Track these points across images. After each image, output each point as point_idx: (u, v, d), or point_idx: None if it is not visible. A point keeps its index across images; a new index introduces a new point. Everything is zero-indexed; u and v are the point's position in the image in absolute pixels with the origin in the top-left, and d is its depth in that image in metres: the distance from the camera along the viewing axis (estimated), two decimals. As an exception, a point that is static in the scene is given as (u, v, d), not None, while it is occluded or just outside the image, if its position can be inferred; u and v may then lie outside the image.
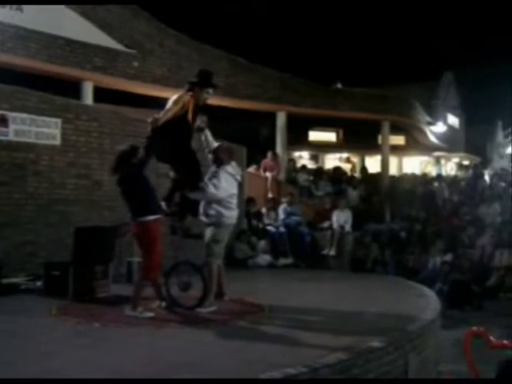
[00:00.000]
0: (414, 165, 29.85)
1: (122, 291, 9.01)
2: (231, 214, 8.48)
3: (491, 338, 6.05)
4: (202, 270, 8.17)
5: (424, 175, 22.75)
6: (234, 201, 8.55)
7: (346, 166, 25.52)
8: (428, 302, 9.16)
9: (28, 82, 12.05)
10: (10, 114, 10.43)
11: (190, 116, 8.00)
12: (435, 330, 8.12)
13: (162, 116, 7.62)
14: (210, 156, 8.57)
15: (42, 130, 10.81)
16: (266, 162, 17.29)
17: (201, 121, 8.55)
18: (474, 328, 6.25)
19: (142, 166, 7.68)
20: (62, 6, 13.56)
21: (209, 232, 8.41)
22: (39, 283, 9.54)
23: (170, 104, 7.82)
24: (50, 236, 10.56)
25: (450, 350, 8.85)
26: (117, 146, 8.17)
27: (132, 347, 6.34)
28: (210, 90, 8.21)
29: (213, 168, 8.45)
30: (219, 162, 8.43)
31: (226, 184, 8.33)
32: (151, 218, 7.63)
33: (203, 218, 8.45)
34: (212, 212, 8.34)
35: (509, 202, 16.91)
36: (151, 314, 7.63)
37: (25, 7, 12.92)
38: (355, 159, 29.48)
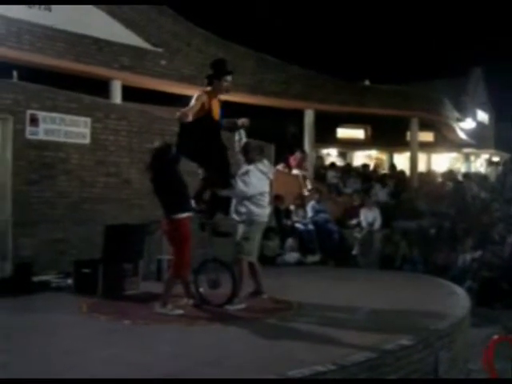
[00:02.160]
0: (442, 161, 29.59)
1: (152, 289, 9.08)
2: (262, 212, 8.46)
3: None
4: (231, 267, 8.18)
5: (453, 172, 22.54)
6: (266, 198, 8.50)
7: (375, 163, 25.47)
8: (458, 300, 9.09)
9: (57, 81, 12.16)
10: (40, 114, 10.52)
11: (214, 113, 8.01)
12: (465, 327, 8.06)
13: (188, 111, 7.63)
14: (241, 156, 8.58)
15: (71, 128, 10.90)
16: (294, 159, 17.24)
17: (241, 121, 8.44)
18: (496, 337, 6.18)
19: (175, 163, 7.71)
20: (90, 6, 13.67)
21: (240, 229, 8.42)
22: (69, 281, 9.63)
23: (192, 101, 7.86)
24: (80, 234, 10.64)
25: (479, 348, 8.76)
26: (151, 144, 8.21)
27: (160, 344, 6.37)
28: (229, 77, 8.17)
29: (245, 165, 8.44)
30: (250, 159, 8.43)
31: (256, 181, 8.32)
32: (184, 215, 7.65)
33: (234, 216, 8.46)
34: (243, 210, 8.34)
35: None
36: (181, 312, 7.65)
37: (53, 7, 13.04)
38: (384, 156, 29.33)
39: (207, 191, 8.40)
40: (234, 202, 8.49)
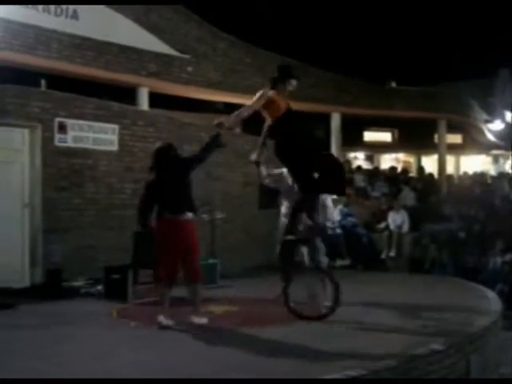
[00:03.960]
0: (471, 163, 29.34)
1: (182, 294, 9.09)
2: None
3: None
4: (332, 275, 7.95)
5: (482, 174, 22.34)
6: None
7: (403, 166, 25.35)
8: (489, 303, 9.00)
9: (85, 89, 12.27)
10: (69, 121, 10.64)
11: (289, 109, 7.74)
12: (496, 331, 7.98)
13: (243, 112, 7.50)
14: None
15: (99, 135, 11.00)
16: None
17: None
18: None
19: (181, 163, 7.60)
20: (116, 13, 13.76)
21: None
22: (99, 287, 9.69)
23: (253, 100, 7.65)
24: (109, 240, 10.72)
25: (511, 351, 8.68)
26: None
27: (189, 349, 6.39)
28: (294, 82, 7.98)
29: None
30: None
31: None
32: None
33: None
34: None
35: None
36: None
37: (80, 16, 13.15)
38: (411, 159, 29.16)
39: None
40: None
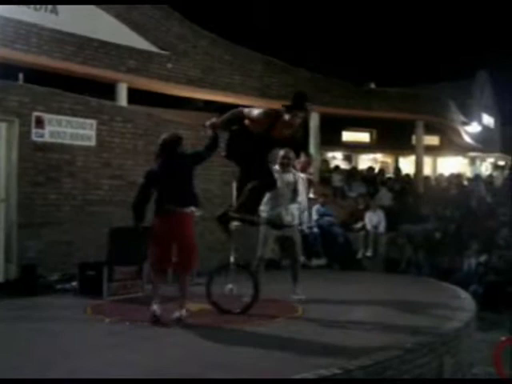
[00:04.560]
0: (448, 165, 29.54)
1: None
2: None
3: None
4: (253, 272, 8.19)
5: (458, 176, 22.50)
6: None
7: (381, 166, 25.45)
8: (463, 304, 9.08)
9: (63, 83, 12.20)
10: (46, 116, 10.57)
11: (276, 133, 7.52)
12: (470, 332, 8.04)
13: (249, 114, 7.40)
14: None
15: (77, 131, 10.94)
16: (298, 162, 17.19)
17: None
18: (503, 338, 6.16)
19: (187, 158, 7.55)
20: (97, 9, 13.69)
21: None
22: (74, 283, 9.65)
23: (259, 112, 7.46)
24: (85, 236, 10.67)
25: (485, 353, 8.75)
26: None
27: (165, 347, 6.37)
28: (301, 114, 7.63)
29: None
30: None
31: None
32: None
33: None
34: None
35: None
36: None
37: (60, 10, 13.07)
38: (389, 160, 29.31)
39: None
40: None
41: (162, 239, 7.39)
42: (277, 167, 9.15)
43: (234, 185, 8.01)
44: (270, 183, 7.86)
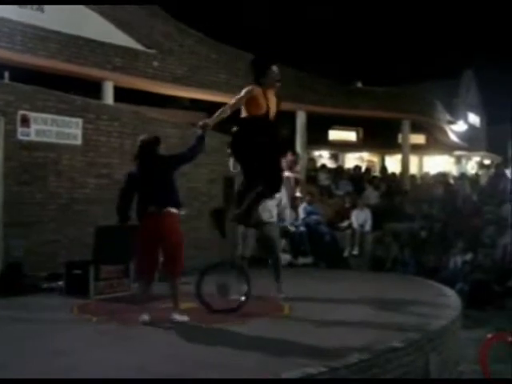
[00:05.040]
0: (434, 164, 29.62)
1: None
2: None
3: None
4: (246, 271, 8.16)
5: (444, 175, 22.57)
6: None
7: (367, 165, 25.49)
8: (448, 302, 9.11)
9: (49, 82, 12.13)
10: (31, 114, 10.52)
11: (271, 111, 7.49)
12: (456, 330, 8.08)
13: (226, 109, 7.30)
14: None
15: (62, 129, 10.90)
16: (285, 161, 17.19)
17: None
18: (489, 335, 6.17)
19: (167, 159, 7.51)
20: (82, 6, 13.64)
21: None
22: (60, 282, 9.62)
23: (237, 97, 7.42)
24: (72, 235, 10.64)
25: (471, 351, 8.79)
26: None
27: (151, 346, 6.36)
28: (274, 68, 7.65)
29: None
30: None
31: None
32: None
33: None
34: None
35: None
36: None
37: (46, 8, 13.00)
38: (375, 158, 29.36)
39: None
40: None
41: (146, 245, 7.35)
42: None
43: (236, 187, 7.99)
44: (274, 188, 7.86)
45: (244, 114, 7.47)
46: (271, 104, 7.51)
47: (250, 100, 7.38)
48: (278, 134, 7.83)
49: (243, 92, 7.39)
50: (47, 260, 10.26)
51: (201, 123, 7.38)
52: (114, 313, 7.92)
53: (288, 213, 10.25)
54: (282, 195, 9.60)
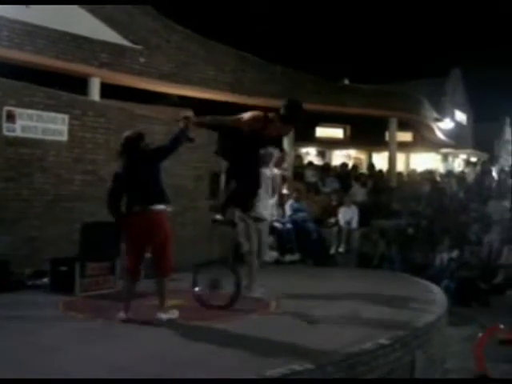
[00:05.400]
0: (421, 161, 29.72)
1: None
2: None
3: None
4: (237, 268, 8.12)
5: (430, 172, 22.64)
6: None
7: (354, 162, 25.53)
8: (435, 299, 9.14)
9: (35, 77, 12.05)
10: (17, 110, 10.45)
11: (268, 132, 7.72)
12: (442, 327, 8.11)
13: (222, 120, 7.60)
14: None
15: (48, 125, 10.83)
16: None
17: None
18: (480, 334, 6.15)
19: (151, 155, 7.41)
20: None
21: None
22: (45, 279, 9.57)
23: (248, 115, 7.66)
24: (57, 232, 10.58)
25: (456, 347, 8.83)
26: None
27: (137, 344, 6.34)
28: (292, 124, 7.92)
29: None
30: None
31: None
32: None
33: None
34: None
35: (516, 199, 16.85)
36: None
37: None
38: (362, 156, 29.41)
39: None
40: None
41: (134, 243, 7.32)
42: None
43: (223, 177, 8.03)
44: (252, 192, 7.94)
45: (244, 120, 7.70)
46: (270, 130, 7.72)
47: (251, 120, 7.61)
48: (259, 148, 8.09)
49: (250, 118, 7.62)
50: (33, 257, 10.20)
51: (182, 115, 7.37)
52: (99, 310, 7.88)
53: (275, 209, 10.19)
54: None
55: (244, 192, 7.93)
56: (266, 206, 9.17)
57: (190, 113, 7.44)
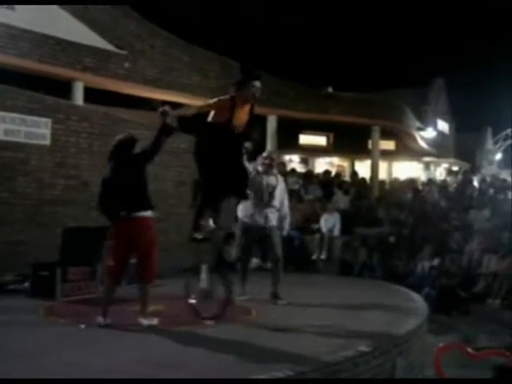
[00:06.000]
0: (404, 169, 29.86)
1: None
2: None
3: (469, 349, 6.02)
4: (227, 277, 8.06)
5: (412, 181, 22.75)
6: None
7: (337, 170, 25.60)
8: (415, 307, 9.18)
9: (18, 81, 12.02)
10: (0, 113, 10.40)
11: (237, 121, 7.60)
12: (422, 334, 8.14)
13: (190, 110, 7.58)
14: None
15: (31, 129, 10.80)
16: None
17: (248, 145, 8.27)
18: (441, 345, 6.21)
19: (142, 158, 7.37)
20: (54, 6, 13.51)
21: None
22: (27, 284, 9.51)
23: (207, 102, 7.70)
24: (39, 236, 10.53)
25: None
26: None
27: (119, 348, 6.33)
28: (257, 83, 7.75)
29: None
30: None
31: None
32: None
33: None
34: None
35: (497, 208, 16.95)
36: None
37: (17, 7, 12.87)
38: (345, 163, 29.50)
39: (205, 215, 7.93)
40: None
41: (118, 249, 7.29)
42: (259, 168, 9.17)
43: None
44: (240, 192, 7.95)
45: (210, 117, 7.62)
46: (240, 115, 7.61)
47: (218, 108, 7.54)
48: (239, 143, 7.90)
49: (214, 101, 7.58)
50: (14, 261, 10.14)
51: (161, 109, 7.35)
52: (80, 315, 7.84)
53: (288, 221, 10.00)
54: (283, 203, 9.57)
55: (217, 188, 7.71)
56: (261, 214, 9.14)
57: (166, 107, 7.41)
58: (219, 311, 7.73)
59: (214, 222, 7.85)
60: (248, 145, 8.18)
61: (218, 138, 7.46)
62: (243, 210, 9.22)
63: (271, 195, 9.23)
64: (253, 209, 9.11)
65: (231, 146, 7.65)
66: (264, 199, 9.12)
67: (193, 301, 7.86)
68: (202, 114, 7.67)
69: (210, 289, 7.86)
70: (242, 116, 7.64)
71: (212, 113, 7.62)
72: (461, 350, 6.13)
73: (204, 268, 7.94)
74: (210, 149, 7.49)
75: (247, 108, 7.72)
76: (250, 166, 8.84)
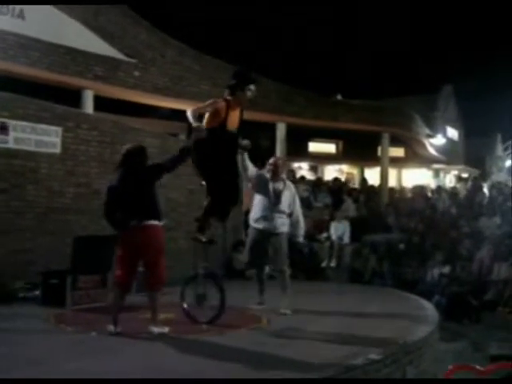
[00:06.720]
0: (413, 177, 29.82)
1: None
2: None
3: (477, 367, 5.95)
4: (221, 282, 8.07)
5: (422, 187, 22.70)
6: None
7: (346, 177, 25.59)
8: (426, 314, 9.15)
9: (29, 90, 12.07)
10: (11, 122, 10.44)
11: (230, 123, 7.68)
12: (433, 342, 8.11)
13: (196, 108, 7.54)
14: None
15: (42, 138, 10.82)
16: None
17: (244, 143, 8.16)
18: (450, 366, 6.17)
19: (150, 169, 7.38)
20: (64, 15, 13.58)
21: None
22: (37, 292, 9.53)
23: (202, 105, 7.73)
24: (49, 244, 10.54)
25: (448, 363, 8.81)
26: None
27: (127, 357, 6.33)
28: (252, 87, 7.84)
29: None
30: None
31: None
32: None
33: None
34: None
35: (507, 216, 16.87)
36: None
37: (27, 16, 12.95)
38: (354, 171, 29.49)
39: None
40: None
41: (127, 257, 7.28)
42: (267, 174, 9.17)
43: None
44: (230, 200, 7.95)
45: (204, 120, 7.63)
46: (233, 118, 7.72)
47: (213, 110, 7.61)
48: (235, 145, 7.97)
49: (208, 103, 7.67)
50: (24, 269, 10.16)
51: (195, 125, 7.32)
52: (90, 323, 7.85)
53: (302, 226, 9.99)
54: (294, 208, 9.55)
55: (219, 196, 7.76)
56: (270, 218, 9.12)
57: (202, 125, 7.41)
58: (214, 316, 7.75)
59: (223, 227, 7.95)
60: (246, 142, 8.15)
61: (214, 141, 7.49)
62: (252, 215, 9.22)
63: (278, 199, 9.20)
64: (261, 214, 9.10)
65: (226, 148, 7.73)
66: (271, 203, 9.08)
67: (186, 306, 7.94)
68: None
69: (205, 293, 7.89)
70: (234, 119, 7.74)
71: (206, 116, 7.64)
72: (469, 370, 6.06)
73: (200, 273, 7.98)
74: (207, 153, 7.51)
75: (238, 112, 7.83)
76: (250, 165, 8.91)
